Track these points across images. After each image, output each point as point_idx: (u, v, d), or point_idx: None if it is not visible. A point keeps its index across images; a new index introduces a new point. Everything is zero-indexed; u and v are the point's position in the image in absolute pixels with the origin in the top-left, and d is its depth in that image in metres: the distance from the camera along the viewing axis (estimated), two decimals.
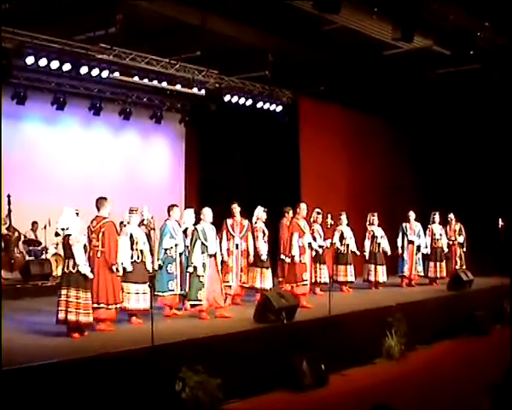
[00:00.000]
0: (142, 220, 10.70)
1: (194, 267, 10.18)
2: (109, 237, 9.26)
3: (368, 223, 14.58)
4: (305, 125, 17.12)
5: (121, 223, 10.34)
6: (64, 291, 8.61)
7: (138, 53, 14.04)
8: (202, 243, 10.24)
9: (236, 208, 11.94)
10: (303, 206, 12.55)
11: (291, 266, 12.00)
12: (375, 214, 14.57)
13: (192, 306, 10.37)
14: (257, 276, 11.96)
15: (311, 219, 13.44)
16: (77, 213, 9.02)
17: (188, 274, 10.43)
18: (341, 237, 14.00)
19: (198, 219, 10.92)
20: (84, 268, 8.63)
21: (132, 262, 9.71)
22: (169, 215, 10.90)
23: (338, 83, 16.26)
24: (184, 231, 10.96)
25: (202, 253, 10.22)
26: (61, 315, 8.60)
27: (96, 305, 9.02)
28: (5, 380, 6.43)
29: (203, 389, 7.59)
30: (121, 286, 9.52)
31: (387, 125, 18.65)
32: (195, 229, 10.40)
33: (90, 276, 8.68)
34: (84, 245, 8.76)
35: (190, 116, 18.42)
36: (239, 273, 11.86)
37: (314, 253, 12.83)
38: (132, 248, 9.76)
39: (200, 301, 10.19)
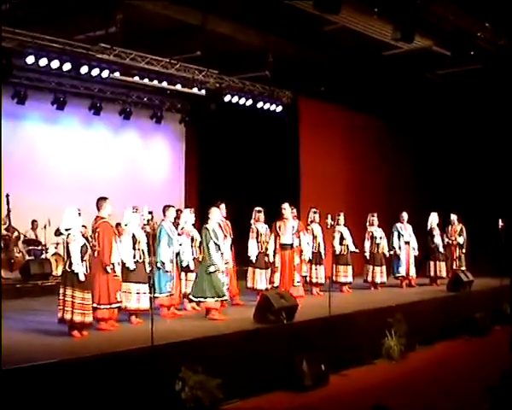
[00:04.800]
0: (148, 221, 10.70)
1: (215, 266, 10.19)
2: (103, 237, 9.28)
3: (368, 223, 14.58)
4: (305, 126, 17.13)
5: (118, 224, 10.34)
6: (63, 290, 8.65)
7: (138, 53, 14.04)
8: (215, 242, 10.28)
9: (224, 209, 11.90)
10: (284, 206, 12.47)
11: None
12: (375, 215, 14.57)
13: (222, 301, 10.42)
14: (252, 277, 12.02)
15: (309, 220, 13.46)
16: (79, 213, 9.03)
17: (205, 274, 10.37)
18: (341, 238, 13.99)
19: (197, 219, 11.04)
20: (78, 268, 8.59)
21: (134, 262, 9.71)
22: (164, 216, 10.87)
23: (338, 83, 16.26)
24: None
25: (217, 252, 10.27)
26: (60, 314, 8.64)
27: (95, 305, 9.04)
28: (5, 380, 6.43)
29: (203, 389, 7.59)
30: (119, 286, 9.50)
31: (387, 126, 18.66)
32: (206, 228, 10.39)
33: (81, 277, 8.60)
34: (84, 245, 8.75)
35: (190, 116, 18.44)
36: (233, 274, 11.89)
37: (309, 254, 12.84)
38: (134, 248, 9.75)
39: (225, 296, 10.34)
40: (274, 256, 12.11)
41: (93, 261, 9.08)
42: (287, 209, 12.41)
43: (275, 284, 11.95)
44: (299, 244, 12.48)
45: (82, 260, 8.65)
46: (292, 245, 12.29)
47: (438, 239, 15.18)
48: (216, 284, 10.20)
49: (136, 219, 9.96)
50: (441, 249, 15.17)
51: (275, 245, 12.15)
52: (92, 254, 9.07)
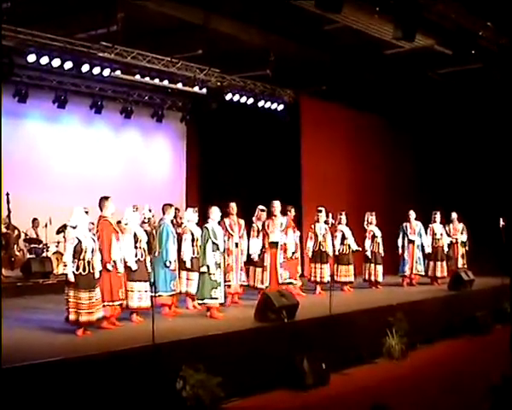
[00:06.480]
0: (148, 219, 10.69)
1: (207, 266, 10.15)
2: (102, 235, 9.28)
3: (366, 222, 14.56)
4: (307, 125, 17.13)
5: (118, 222, 10.33)
6: (67, 290, 8.66)
7: (140, 51, 14.06)
8: (213, 241, 10.24)
9: (234, 208, 11.87)
10: (274, 203, 12.26)
11: None
12: (373, 214, 14.57)
13: (201, 304, 10.37)
14: (253, 275, 12.01)
15: (315, 218, 13.42)
16: (86, 212, 9.04)
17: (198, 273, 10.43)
18: (343, 238, 13.98)
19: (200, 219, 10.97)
20: (66, 268, 8.60)
21: (136, 260, 9.69)
22: (164, 214, 10.82)
23: (339, 82, 16.26)
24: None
25: (213, 251, 10.22)
26: (66, 314, 8.67)
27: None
28: (6, 378, 6.43)
29: (204, 387, 7.59)
30: (121, 283, 9.49)
31: (389, 125, 18.66)
32: (206, 228, 10.37)
33: (70, 277, 8.58)
34: (78, 244, 8.67)
35: (191, 115, 18.44)
36: (239, 272, 11.87)
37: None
38: (136, 247, 9.75)
39: (216, 299, 10.18)
40: (260, 255, 11.99)
41: None
42: (276, 207, 12.21)
43: (265, 284, 11.85)
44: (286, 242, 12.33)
45: (78, 260, 8.62)
46: (280, 243, 12.19)
47: (425, 239, 15.12)
48: (204, 286, 10.17)
49: (136, 218, 9.98)
50: (427, 249, 15.11)
51: (263, 244, 12.04)
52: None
